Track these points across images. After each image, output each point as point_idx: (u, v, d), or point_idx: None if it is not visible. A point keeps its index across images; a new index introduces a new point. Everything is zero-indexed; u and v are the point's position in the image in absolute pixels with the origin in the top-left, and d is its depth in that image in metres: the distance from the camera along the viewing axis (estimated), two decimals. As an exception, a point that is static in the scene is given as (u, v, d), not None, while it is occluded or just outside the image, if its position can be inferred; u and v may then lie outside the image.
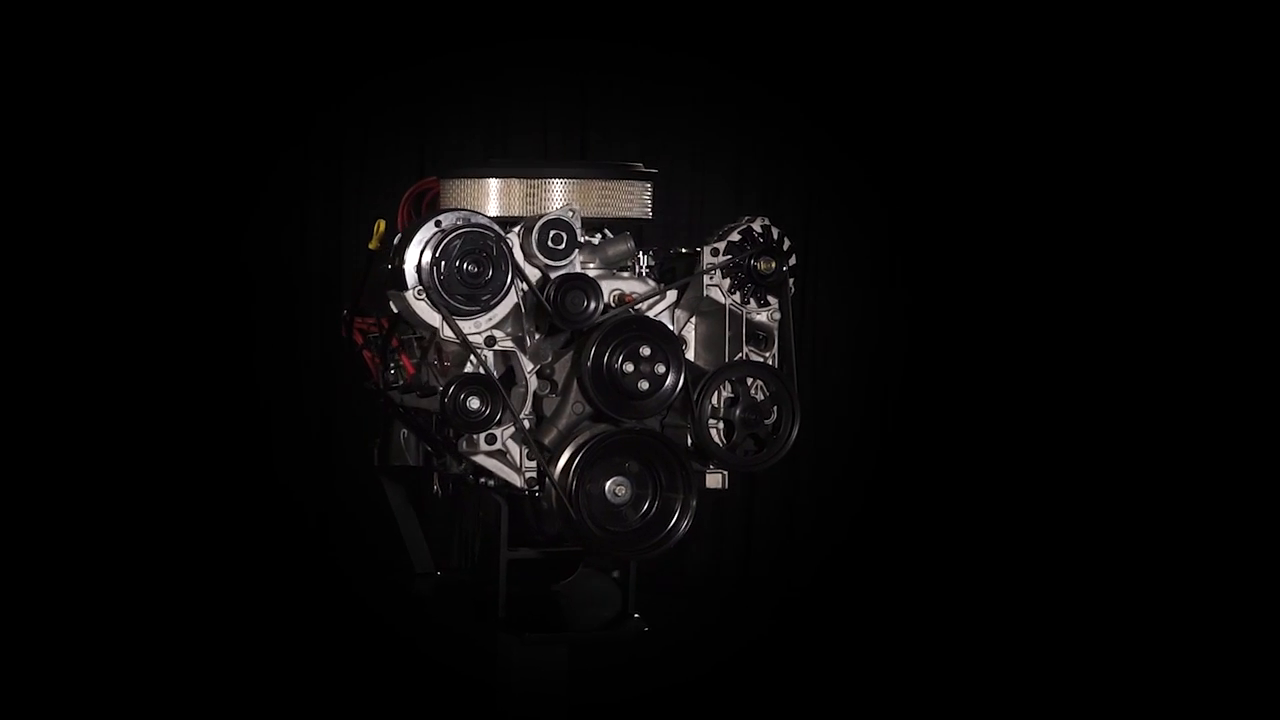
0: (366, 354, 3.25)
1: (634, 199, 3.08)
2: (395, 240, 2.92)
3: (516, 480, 2.94)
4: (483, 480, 3.00)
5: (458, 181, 3.08)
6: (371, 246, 3.17)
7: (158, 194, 5.35)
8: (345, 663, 4.69)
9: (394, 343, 3.08)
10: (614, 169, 3.08)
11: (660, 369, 2.89)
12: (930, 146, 5.76)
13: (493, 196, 3.03)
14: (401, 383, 3.12)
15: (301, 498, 5.47)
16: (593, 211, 3.01)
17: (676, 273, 3.06)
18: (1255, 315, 5.55)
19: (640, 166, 3.12)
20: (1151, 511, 5.52)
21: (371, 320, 3.18)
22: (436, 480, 3.34)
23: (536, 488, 2.94)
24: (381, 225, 3.16)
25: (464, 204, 3.03)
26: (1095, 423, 5.61)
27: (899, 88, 5.76)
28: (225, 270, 5.39)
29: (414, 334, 3.08)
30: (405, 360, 3.08)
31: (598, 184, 3.03)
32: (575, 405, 2.92)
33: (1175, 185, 5.59)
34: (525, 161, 3.35)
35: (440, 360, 3.01)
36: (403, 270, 2.86)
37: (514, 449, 2.92)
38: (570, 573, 3.31)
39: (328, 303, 5.41)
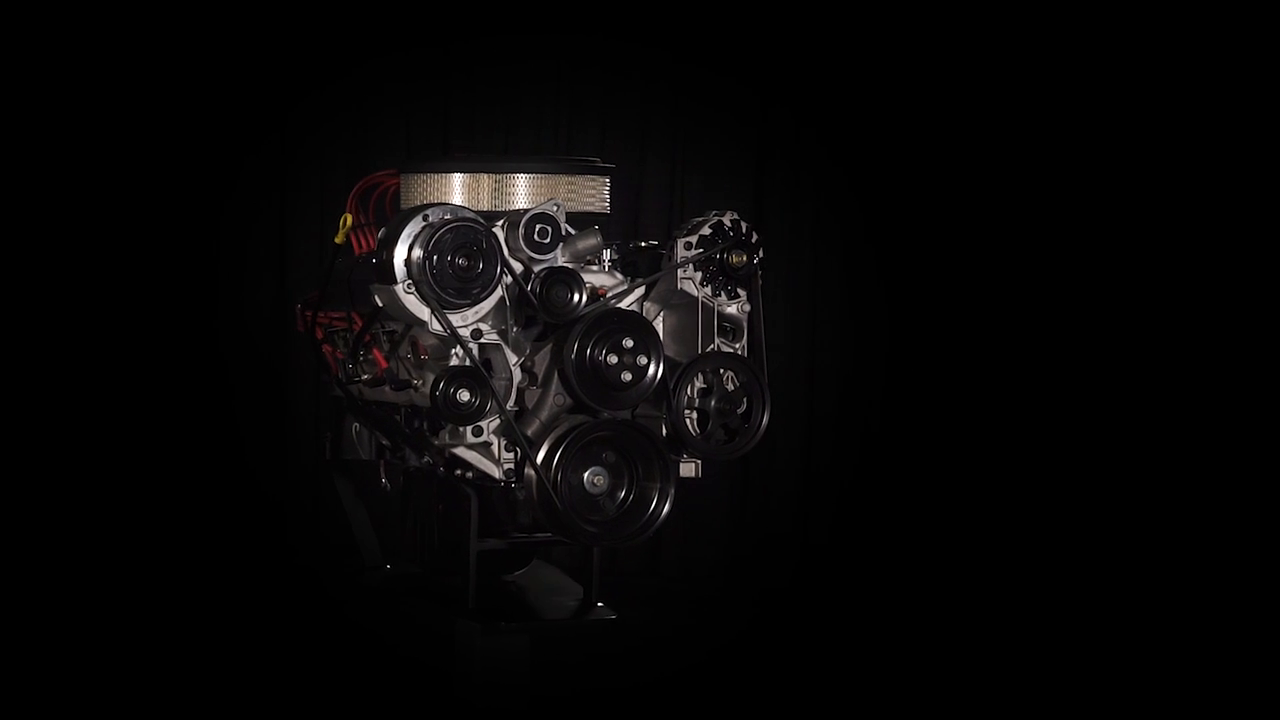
0: (327, 348, 3.26)
1: (595, 193, 3.14)
2: (380, 235, 2.94)
3: (495, 472, 2.98)
4: (458, 472, 3.02)
5: (420, 176, 3.11)
6: (337, 241, 3.19)
7: (121, 189, 5.34)
8: (303, 654, 4.66)
9: (366, 337, 3.09)
10: (576, 164, 3.14)
11: (642, 360, 2.96)
12: (907, 139, 5.75)
13: (457, 191, 3.07)
14: (369, 376, 3.14)
15: (261, 489, 5.46)
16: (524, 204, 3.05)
17: (639, 266, 3.12)
18: (1230, 315, 5.56)
19: (599, 161, 3.18)
20: (1136, 507, 5.51)
21: (339, 314, 3.18)
22: (384, 473, 3.36)
23: (514, 479, 2.98)
24: (349, 220, 3.18)
25: (428, 198, 3.07)
26: (1078, 421, 5.60)
27: (870, 80, 5.75)
28: (190, 264, 5.40)
29: (384, 328, 3.10)
30: (376, 354, 3.10)
31: (565, 179, 3.08)
32: (556, 397, 2.97)
33: (1157, 180, 5.59)
34: (487, 156, 3.39)
35: (415, 354, 3.04)
36: (392, 264, 2.88)
37: (494, 441, 2.96)
38: (521, 564, 3.36)
39: (283, 297, 5.38)
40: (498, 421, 2.93)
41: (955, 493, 5.66)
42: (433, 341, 2.98)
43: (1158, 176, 5.54)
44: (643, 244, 3.15)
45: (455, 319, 2.90)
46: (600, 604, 3.21)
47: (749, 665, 4.81)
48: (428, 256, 2.85)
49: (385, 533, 3.43)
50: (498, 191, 3.05)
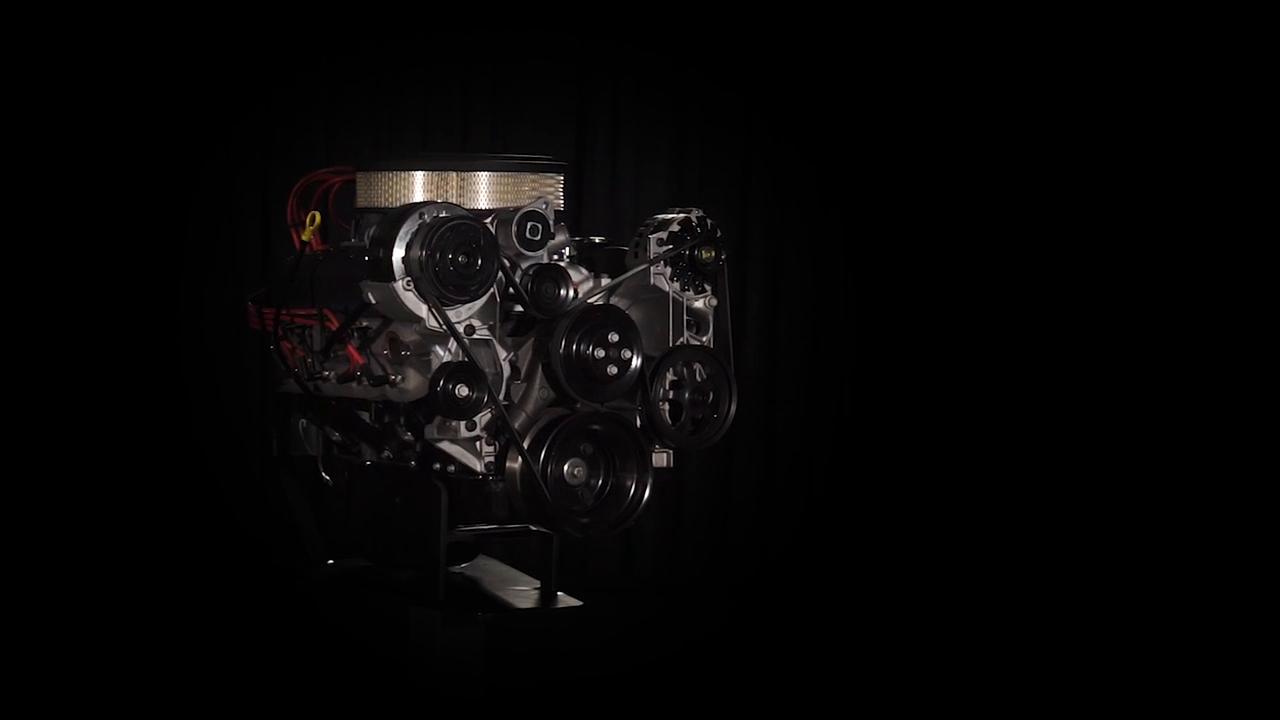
0: (286, 345, 3.26)
1: (553, 190, 3.21)
2: (374, 233, 2.96)
3: (477, 465, 3.03)
4: (437, 466, 3.06)
5: (380, 174, 3.14)
6: (305, 238, 3.19)
7: (70, 184, 5.27)
8: (254, 648, 4.65)
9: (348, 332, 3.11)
10: (532, 161, 3.21)
11: (626, 354, 3.05)
12: (874, 133, 5.80)
13: (419, 188, 3.11)
14: (337, 372, 3.15)
15: (210, 485, 5.41)
16: (509, 201, 3.11)
17: (595, 262, 3.20)
18: (1191, 311, 5.65)
19: (551, 158, 3.25)
20: (1110, 497, 5.57)
21: (310, 311, 3.18)
22: (321, 467, 3.37)
23: (494, 472, 3.03)
24: (318, 217, 3.19)
25: (388, 196, 3.11)
26: (1044, 416, 5.66)
27: (831, 76, 5.80)
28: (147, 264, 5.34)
29: (358, 324, 3.11)
30: (351, 350, 3.11)
31: (529, 176, 3.15)
32: (540, 391, 3.04)
33: (1119, 181, 5.69)
34: (443, 154, 3.41)
35: (394, 350, 3.06)
36: (390, 262, 2.90)
37: (482, 435, 3.01)
38: (466, 558, 3.41)
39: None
40: (488, 416, 2.98)
41: (927, 487, 5.73)
42: (414, 338, 3.01)
43: (1120, 179, 5.66)
44: (595, 240, 3.22)
45: (450, 316, 2.94)
46: (561, 593, 3.27)
47: (717, 657, 4.86)
48: (430, 254, 2.88)
49: (327, 528, 3.42)
50: (462, 189, 3.10)
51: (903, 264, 5.85)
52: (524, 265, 3.01)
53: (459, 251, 2.91)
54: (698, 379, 3.14)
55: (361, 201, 3.21)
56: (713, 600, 5.56)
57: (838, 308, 5.93)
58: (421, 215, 2.92)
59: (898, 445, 5.81)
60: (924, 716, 4.50)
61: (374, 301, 2.96)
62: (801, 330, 5.93)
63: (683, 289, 3.16)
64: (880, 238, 5.87)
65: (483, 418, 2.99)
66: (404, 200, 3.11)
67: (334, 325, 3.13)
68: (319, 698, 4.26)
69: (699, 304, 3.18)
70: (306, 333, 3.25)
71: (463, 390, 2.92)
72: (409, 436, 3.09)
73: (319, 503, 3.40)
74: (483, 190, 3.13)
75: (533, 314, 3.01)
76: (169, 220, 5.40)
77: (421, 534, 3.17)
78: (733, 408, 3.17)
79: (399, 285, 2.90)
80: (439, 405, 2.92)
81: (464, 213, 2.95)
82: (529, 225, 3.00)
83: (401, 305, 2.92)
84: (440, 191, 3.11)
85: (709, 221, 3.17)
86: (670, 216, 3.16)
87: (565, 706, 4.17)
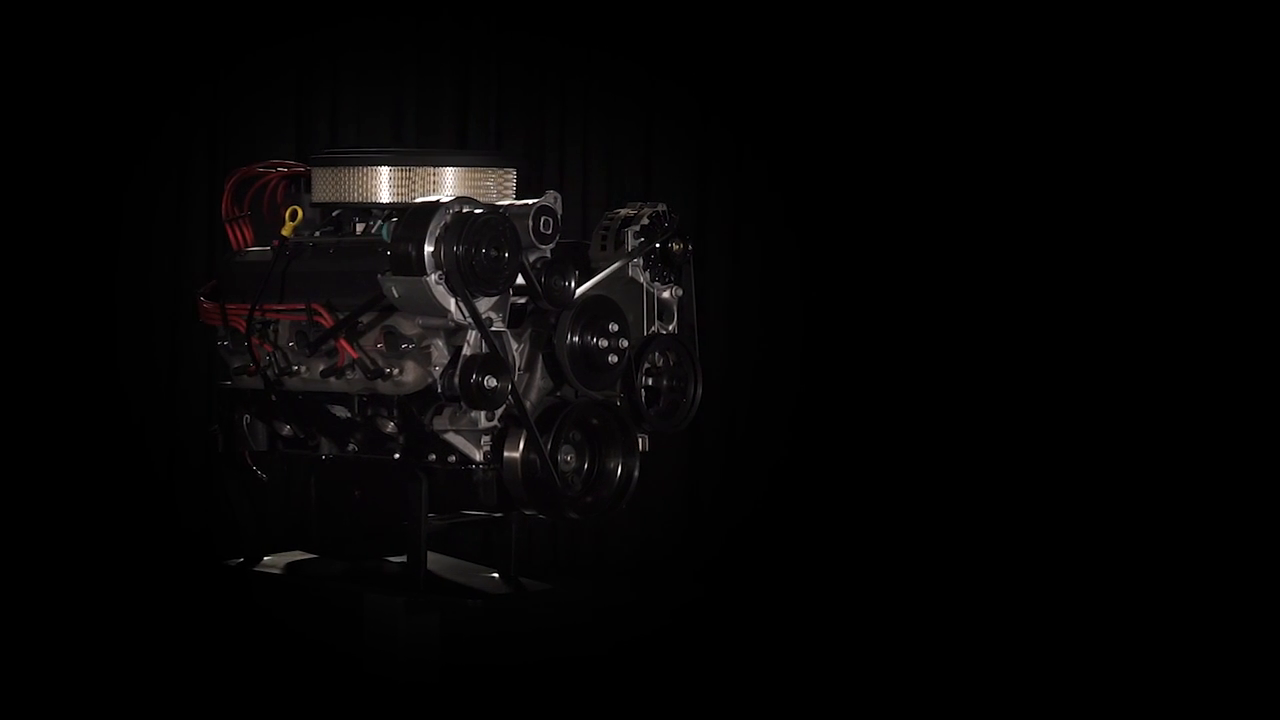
0: (255, 340, 3.22)
1: (510, 186, 3.29)
2: (397, 229, 2.98)
3: (477, 455, 3.09)
4: (432, 457, 3.10)
5: (332, 169, 3.17)
6: (285, 234, 3.17)
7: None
8: (202, 644, 4.56)
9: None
10: (494, 156, 3.29)
11: (624, 343, 3.17)
12: (824, 132, 5.89)
13: (385, 184, 3.15)
14: (323, 367, 3.15)
15: (152, 482, 5.28)
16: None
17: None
18: (1139, 308, 5.83)
19: (504, 154, 3.34)
20: (1056, 484, 5.73)
21: (293, 305, 3.16)
22: (250, 460, 3.35)
23: (490, 461, 3.10)
24: (299, 213, 3.17)
25: (350, 191, 3.15)
26: (993, 406, 5.79)
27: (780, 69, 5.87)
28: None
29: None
30: (344, 344, 3.11)
31: (494, 172, 3.22)
32: (542, 381, 3.13)
33: (1063, 167, 5.87)
34: (413, 149, 3.42)
35: (393, 344, 3.08)
36: (421, 256, 2.93)
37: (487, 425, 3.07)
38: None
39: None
40: (500, 407, 3.05)
41: (883, 473, 5.91)
42: (415, 331, 3.05)
43: (1068, 175, 5.89)
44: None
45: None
46: (524, 579, 3.35)
47: (685, 639, 4.92)
48: (466, 248, 2.93)
49: (265, 522, 3.40)
50: (411, 184, 3.16)
51: (853, 252, 6.05)
52: (532, 258, 3.08)
53: (491, 246, 2.97)
54: (670, 366, 3.28)
55: (324, 197, 3.21)
56: (680, 582, 5.68)
57: (791, 295, 6.13)
58: (448, 210, 2.95)
59: (850, 430, 6.01)
60: (893, 691, 4.63)
61: (396, 296, 2.98)
62: (756, 318, 6.13)
63: (652, 280, 3.29)
64: (832, 229, 6.07)
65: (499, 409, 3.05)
66: (373, 196, 3.14)
67: (325, 320, 3.12)
68: (272, 690, 4.17)
69: (665, 294, 3.31)
70: (272, 328, 3.22)
71: (491, 382, 2.98)
72: (391, 428, 3.11)
73: (257, 498, 3.37)
74: (449, 185, 3.18)
75: (543, 306, 3.08)
76: (107, 213, 5.29)
77: (387, 525, 3.20)
78: (699, 393, 3.32)
79: (431, 279, 2.93)
80: (467, 397, 2.96)
81: (490, 208, 3.01)
82: (542, 219, 3.07)
83: (430, 299, 2.95)
84: (408, 186, 3.14)
85: (674, 215, 3.31)
86: (636, 211, 3.28)
87: (521, 687, 4.21)
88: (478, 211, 2.97)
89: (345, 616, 3.29)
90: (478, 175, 3.21)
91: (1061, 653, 4.87)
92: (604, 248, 3.25)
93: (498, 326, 3.06)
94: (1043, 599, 5.33)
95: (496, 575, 3.36)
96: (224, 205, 3.28)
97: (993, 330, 5.95)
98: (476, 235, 2.95)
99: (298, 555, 3.39)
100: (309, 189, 3.29)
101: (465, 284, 2.95)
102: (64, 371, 5.28)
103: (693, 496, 6.13)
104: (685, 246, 3.31)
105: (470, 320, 2.98)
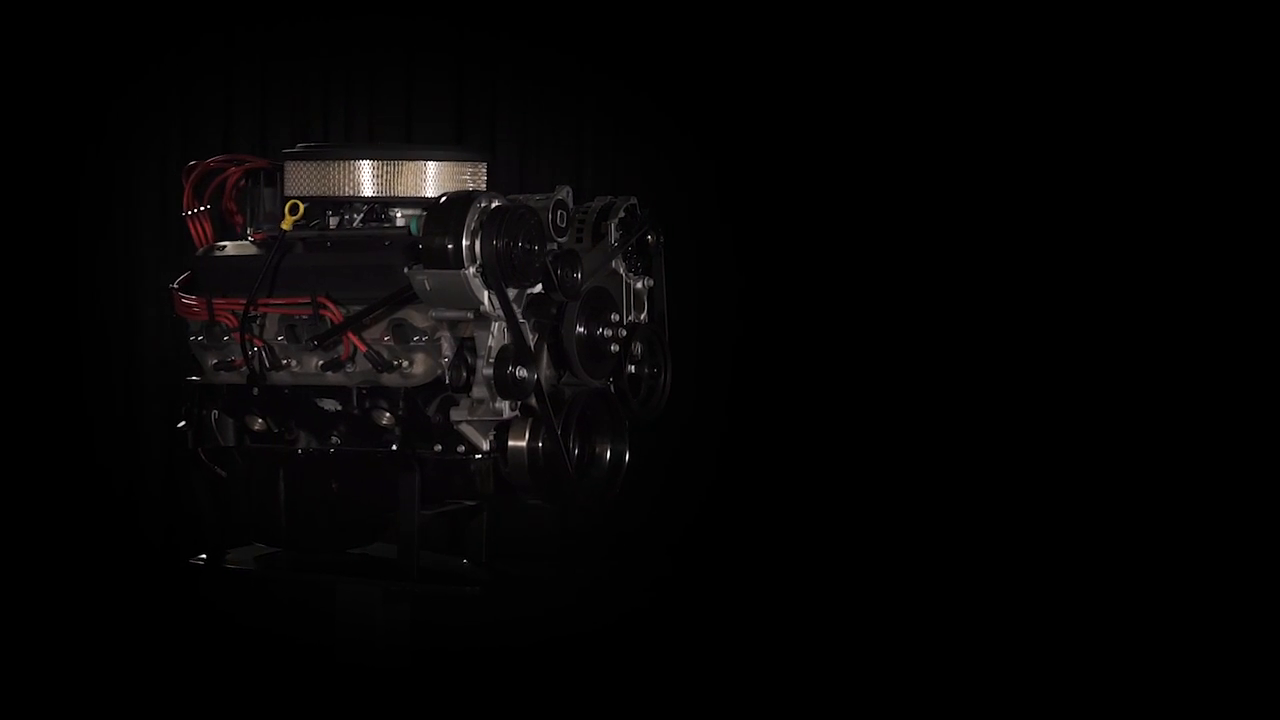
0: (247, 335, 3.17)
1: (482, 179, 3.33)
2: (428, 223, 2.97)
3: (484, 444, 3.12)
4: (437, 448, 3.11)
5: (305, 164, 3.16)
6: (284, 227, 3.13)
7: None
8: (167, 640, 4.40)
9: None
10: (469, 150, 3.32)
11: (623, 333, 3.25)
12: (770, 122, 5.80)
13: (367, 178, 3.16)
14: (328, 359, 3.12)
15: (114, 480, 5.06)
16: (447, 188, 3.22)
17: None
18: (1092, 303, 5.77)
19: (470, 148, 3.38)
20: (1007, 474, 5.68)
21: (292, 300, 3.11)
22: (205, 457, 3.31)
23: (496, 451, 3.14)
24: (301, 207, 3.13)
25: (326, 186, 3.15)
26: (963, 385, 5.71)
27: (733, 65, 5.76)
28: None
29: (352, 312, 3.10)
30: (352, 337, 3.09)
31: (470, 165, 3.26)
32: (548, 370, 3.18)
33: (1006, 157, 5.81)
34: (393, 144, 3.39)
35: (403, 337, 3.08)
36: (459, 249, 2.94)
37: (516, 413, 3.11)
38: (365, 541, 3.45)
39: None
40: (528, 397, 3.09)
41: (852, 456, 5.85)
42: (427, 324, 3.06)
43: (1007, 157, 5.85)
44: None
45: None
46: (497, 565, 3.40)
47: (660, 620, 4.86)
48: (506, 241, 2.96)
49: (227, 517, 3.35)
50: (416, 178, 3.18)
51: (788, 240, 6.04)
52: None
53: (525, 239, 3.00)
54: (648, 354, 3.37)
55: (304, 191, 3.17)
56: (653, 561, 5.60)
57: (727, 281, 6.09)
58: (482, 204, 2.97)
59: (793, 412, 5.99)
60: (859, 662, 4.69)
61: (428, 289, 2.97)
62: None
63: (628, 271, 3.37)
64: (767, 219, 6.05)
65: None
66: (354, 189, 3.14)
67: (333, 314, 3.08)
68: (243, 683, 4.03)
69: (639, 285, 3.39)
70: (258, 321, 3.17)
71: (522, 372, 3.02)
72: (387, 420, 3.11)
73: (221, 494, 3.32)
74: (431, 178, 3.19)
75: (557, 297, 3.12)
76: (63, 205, 5.09)
77: (364, 517, 3.22)
78: (669, 379, 3.42)
79: (469, 272, 2.94)
80: (502, 388, 2.99)
81: (516, 200, 3.04)
82: (559, 213, 3.12)
83: (465, 292, 2.96)
84: (389, 179, 3.15)
85: (647, 208, 3.39)
86: (611, 204, 3.35)
87: (493, 670, 4.18)
88: (504, 205, 2.99)
89: (315, 607, 3.26)
90: (456, 169, 3.21)
91: (1025, 630, 5.00)
92: (580, 240, 3.30)
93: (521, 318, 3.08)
94: (1004, 570, 5.47)
95: (466, 562, 3.39)
96: (185, 199, 3.20)
97: (965, 316, 5.96)
98: (514, 228, 2.97)
99: (261, 550, 3.34)
100: (269, 183, 3.25)
101: (502, 276, 2.97)
102: (19, 367, 5.13)
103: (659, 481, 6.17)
104: (659, 238, 3.39)
105: (501, 312, 2.99)
